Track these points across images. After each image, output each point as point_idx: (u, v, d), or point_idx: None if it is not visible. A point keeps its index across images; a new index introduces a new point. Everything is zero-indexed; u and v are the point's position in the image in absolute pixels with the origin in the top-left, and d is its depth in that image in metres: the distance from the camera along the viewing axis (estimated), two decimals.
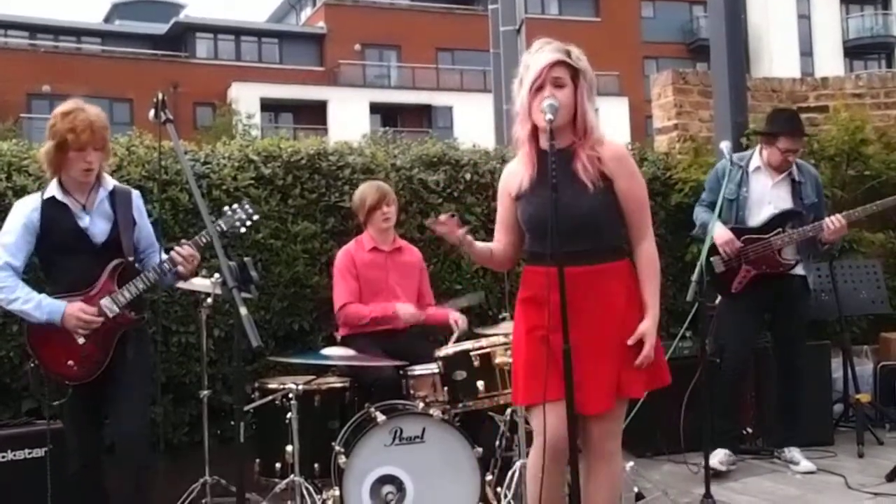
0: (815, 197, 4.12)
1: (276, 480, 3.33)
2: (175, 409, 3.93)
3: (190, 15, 30.33)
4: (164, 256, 2.94)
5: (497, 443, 3.47)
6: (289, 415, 3.23)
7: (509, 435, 3.45)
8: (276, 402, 3.33)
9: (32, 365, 2.86)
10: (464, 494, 3.16)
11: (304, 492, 3.21)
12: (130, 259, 2.91)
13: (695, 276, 3.49)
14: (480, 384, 3.27)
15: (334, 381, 3.55)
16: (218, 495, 3.52)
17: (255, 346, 2.31)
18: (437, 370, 3.38)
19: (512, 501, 3.19)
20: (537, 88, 2.40)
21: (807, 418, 4.19)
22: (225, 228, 3.01)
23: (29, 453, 3.13)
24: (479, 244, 2.62)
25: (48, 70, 23.48)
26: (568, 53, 2.43)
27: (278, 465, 3.34)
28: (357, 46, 28.44)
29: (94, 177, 2.89)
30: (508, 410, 3.38)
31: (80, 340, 2.81)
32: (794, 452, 4.09)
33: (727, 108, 4.95)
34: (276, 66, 28.35)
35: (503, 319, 3.62)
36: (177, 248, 2.88)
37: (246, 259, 2.59)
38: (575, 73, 2.42)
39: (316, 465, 3.35)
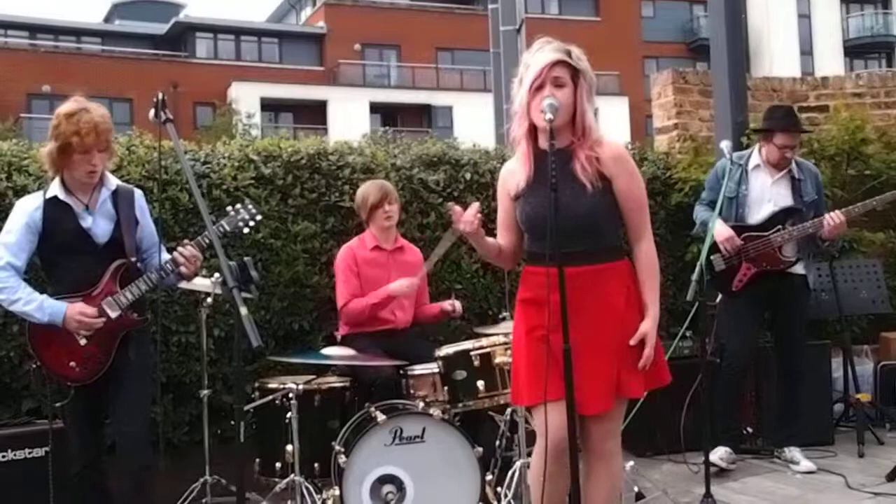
0: (815, 194, 4.11)
1: (277, 480, 3.33)
2: (175, 409, 3.94)
3: (190, 15, 30.33)
4: (167, 256, 2.93)
5: (497, 442, 3.47)
6: (289, 414, 3.23)
7: (509, 435, 3.45)
8: (277, 401, 3.33)
9: (34, 366, 2.85)
10: (464, 494, 3.16)
11: (305, 491, 3.22)
12: (133, 260, 2.89)
13: (695, 276, 3.49)
14: (480, 384, 3.27)
15: (334, 381, 3.55)
16: (218, 495, 3.52)
17: (256, 346, 2.31)
18: (437, 370, 3.39)
19: (512, 501, 3.20)
20: (537, 88, 2.39)
21: (807, 418, 4.18)
22: (228, 229, 3.00)
23: (29, 453, 3.12)
24: (489, 239, 2.60)
25: (48, 70, 23.47)
26: (568, 53, 2.42)
27: (278, 464, 3.34)
28: (357, 46, 28.44)
29: (98, 177, 2.87)
30: (508, 410, 3.38)
31: (82, 342, 2.80)
32: (794, 452, 4.09)
33: (727, 108, 4.95)
34: (276, 65, 28.35)
35: (503, 319, 3.62)
36: (179, 248, 2.87)
37: (246, 259, 2.59)
38: (575, 73, 2.42)
39: (316, 465, 3.35)
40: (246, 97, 24.41)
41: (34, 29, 27.51)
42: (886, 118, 5.72)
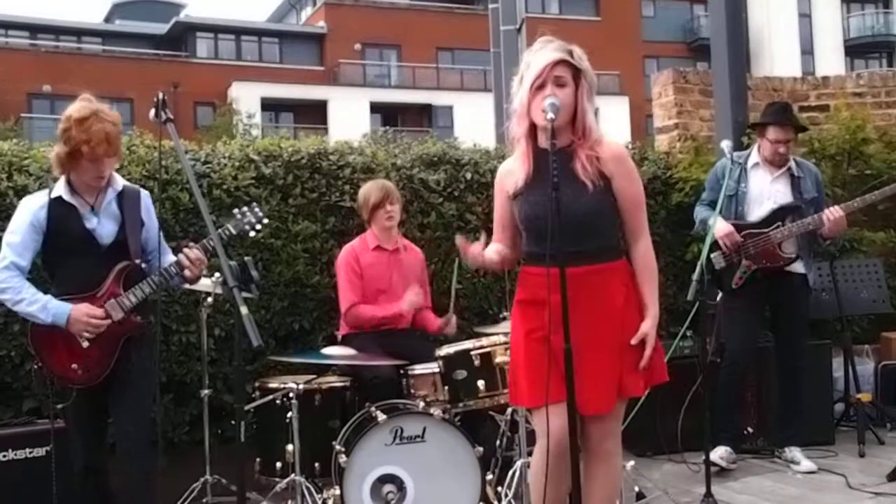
0: (815, 192, 4.10)
1: (277, 480, 3.33)
2: (176, 409, 3.94)
3: (190, 15, 30.34)
4: (171, 258, 2.92)
5: (498, 442, 3.47)
6: (289, 414, 3.23)
7: (510, 434, 3.45)
8: (277, 401, 3.33)
9: (36, 366, 2.83)
10: (464, 494, 3.16)
11: (305, 491, 3.22)
12: (137, 261, 2.86)
13: (695, 275, 3.48)
14: (481, 383, 3.27)
15: (335, 381, 3.55)
16: (218, 494, 3.53)
17: (256, 346, 2.31)
18: (437, 369, 3.39)
19: (513, 501, 3.20)
20: (538, 87, 2.39)
21: (808, 418, 4.18)
22: (234, 232, 2.98)
23: (30, 452, 3.12)
24: (491, 256, 2.58)
25: (49, 70, 23.48)
26: (570, 53, 2.42)
27: (279, 464, 3.34)
28: (357, 46, 28.44)
29: (105, 181, 2.85)
30: (509, 410, 3.38)
31: (85, 344, 2.77)
32: (794, 452, 4.08)
33: (728, 108, 4.95)
34: (277, 65, 28.35)
35: (503, 319, 3.61)
36: (185, 250, 2.84)
37: (246, 258, 2.58)
38: (576, 72, 2.42)
39: (316, 465, 3.35)
40: (246, 97, 24.41)
41: (35, 29, 27.52)
42: (887, 118, 5.72)
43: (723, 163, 4.16)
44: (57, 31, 27.91)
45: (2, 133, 16.04)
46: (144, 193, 2.99)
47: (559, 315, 2.27)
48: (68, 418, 2.92)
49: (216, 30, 28.66)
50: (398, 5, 29.84)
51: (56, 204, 2.81)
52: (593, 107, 2.47)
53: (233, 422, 3.07)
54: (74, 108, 2.76)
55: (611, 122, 23.06)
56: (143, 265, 2.90)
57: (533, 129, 2.46)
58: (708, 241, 3.79)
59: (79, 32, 28.44)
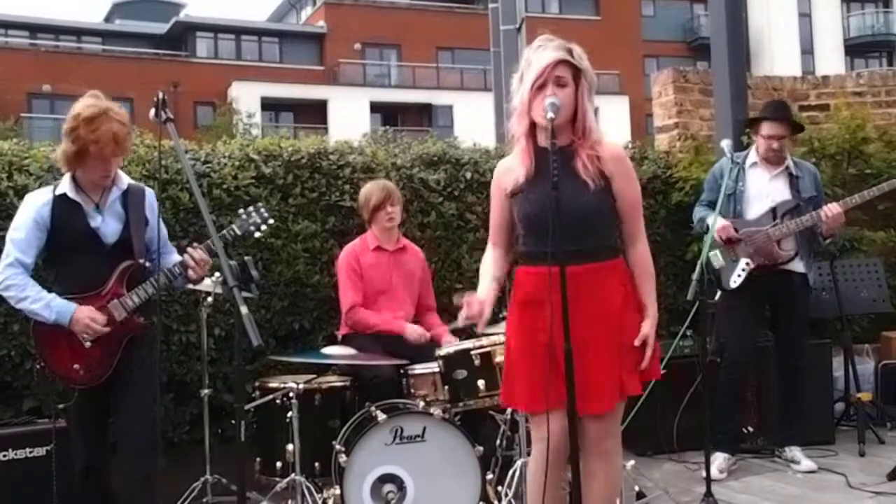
0: (813, 191, 4.10)
1: (277, 479, 3.34)
2: (176, 408, 3.94)
3: (190, 14, 30.33)
4: (176, 258, 2.90)
5: (498, 442, 3.47)
6: (289, 414, 3.23)
7: (510, 434, 3.45)
8: (277, 400, 3.34)
9: (38, 366, 2.82)
10: (464, 493, 3.16)
11: (305, 491, 3.22)
12: (140, 261, 2.84)
13: (695, 275, 3.48)
14: (481, 383, 3.27)
15: (335, 380, 3.55)
16: (219, 494, 3.53)
17: (256, 345, 2.30)
18: (437, 369, 3.38)
19: (513, 500, 3.20)
20: (539, 87, 2.39)
21: (808, 417, 4.18)
22: (239, 233, 2.97)
23: (30, 452, 3.12)
24: (488, 291, 2.53)
25: (49, 70, 23.49)
26: (570, 52, 2.42)
27: (279, 463, 3.34)
28: (357, 45, 28.43)
29: (111, 179, 2.84)
30: (509, 409, 3.37)
31: (87, 344, 2.75)
32: (795, 451, 4.09)
33: (728, 107, 4.95)
34: (277, 65, 28.34)
35: (503, 319, 3.61)
36: (189, 250, 2.83)
37: (246, 258, 2.58)
38: (576, 72, 2.42)
39: (316, 464, 3.35)
40: (246, 97, 24.40)
41: (35, 29, 27.52)
42: (887, 117, 5.71)
43: (721, 163, 4.17)
44: (57, 30, 27.91)
45: (2, 133, 16.04)
46: (149, 192, 2.96)
47: (560, 314, 2.27)
48: (70, 418, 2.91)
49: (216, 29, 28.65)
50: (398, 5, 29.84)
51: (60, 201, 2.79)
52: (593, 106, 2.47)
53: (233, 421, 3.06)
54: (83, 106, 2.73)
55: (611, 121, 23.06)
56: (147, 265, 2.87)
57: (533, 127, 2.46)
58: (708, 240, 3.80)
59: (79, 32, 28.43)
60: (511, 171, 2.51)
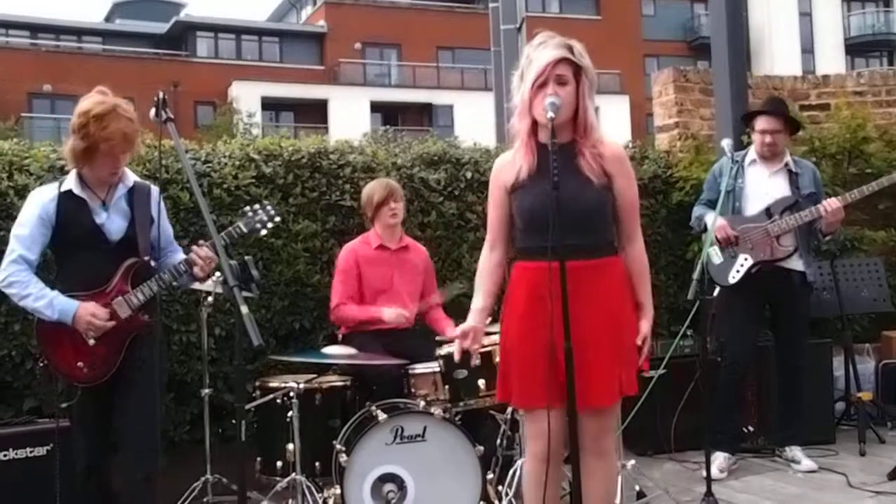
0: (813, 188, 4.09)
1: (278, 479, 3.34)
2: (176, 408, 3.94)
3: (190, 14, 30.34)
4: (181, 256, 2.89)
5: (498, 441, 3.47)
6: (290, 413, 3.23)
7: (510, 433, 3.45)
8: (278, 400, 3.34)
9: (41, 364, 2.80)
10: (465, 493, 3.16)
11: (306, 490, 3.22)
12: (146, 259, 2.82)
13: (696, 274, 3.48)
14: (481, 383, 3.27)
15: (335, 380, 3.55)
16: (219, 493, 3.53)
17: (256, 345, 2.30)
18: (438, 368, 3.38)
19: (513, 500, 3.20)
20: (540, 85, 2.39)
21: (808, 417, 4.18)
22: (245, 230, 2.95)
23: (31, 452, 3.12)
24: (483, 307, 2.58)
25: (49, 69, 23.49)
26: (571, 49, 2.42)
27: (279, 463, 3.34)
28: (357, 45, 28.43)
29: (119, 176, 2.83)
30: (509, 409, 3.37)
31: (91, 342, 2.73)
32: (795, 451, 4.08)
33: (728, 106, 4.94)
34: (277, 64, 28.34)
35: None
36: (194, 248, 2.81)
37: (247, 258, 2.58)
38: (577, 69, 2.42)
39: (317, 464, 3.35)
40: (247, 96, 24.41)
41: (35, 28, 27.52)
42: (888, 116, 5.71)
43: (721, 163, 4.16)
44: (57, 30, 27.91)
45: (2, 132, 16.03)
46: (155, 190, 2.94)
47: (560, 310, 2.27)
48: (72, 417, 2.88)
49: (216, 29, 28.66)
50: (398, 4, 29.83)
51: (66, 197, 2.77)
52: (594, 104, 2.47)
53: (233, 421, 3.06)
54: (92, 103, 2.70)
55: (611, 120, 23.05)
56: (153, 263, 2.85)
57: (535, 125, 2.46)
58: (708, 239, 3.79)
59: (79, 32, 28.44)
60: (511, 165, 2.51)
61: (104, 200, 2.81)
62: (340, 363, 3.55)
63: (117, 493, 2.87)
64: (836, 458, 4.16)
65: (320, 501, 3.25)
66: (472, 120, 21.51)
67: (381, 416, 3.17)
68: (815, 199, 4.04)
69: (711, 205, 4.05)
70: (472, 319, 2.55)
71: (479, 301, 2.58)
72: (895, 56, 31.53)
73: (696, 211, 4.25)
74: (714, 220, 3.88)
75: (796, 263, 4.05)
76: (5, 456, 3.09)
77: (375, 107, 26.99)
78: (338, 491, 3.10)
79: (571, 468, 2.34)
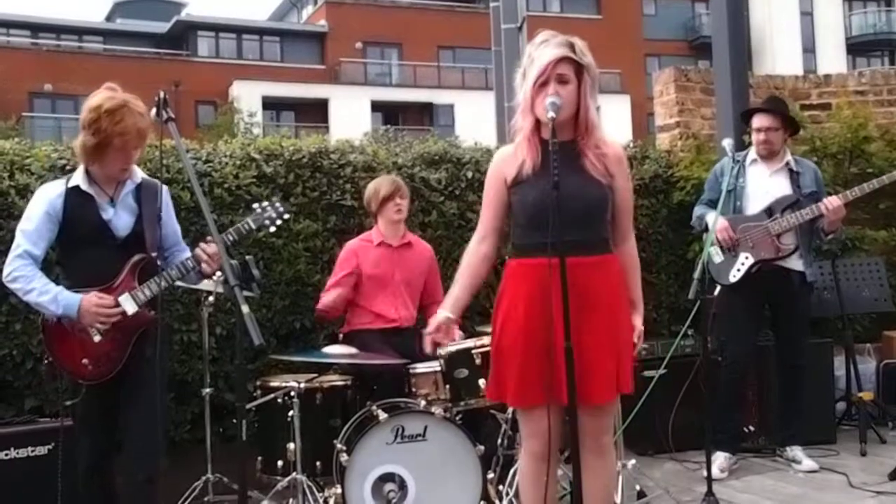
0: (814, 187, 4.09)
1: (278, 478, 3.34)
2: (177, 407, 3.94)
3: (191, 13, 30.35)
4: (188, 254, 2.87)
5: (499, 441, 3.47)
6: (291, 413, 3.23)
7: (511, 433, 3.45)
8: (278, 400, 3.34)
9: (46, 361, 2.78)
10: (466, 492, 3.16)
11: (306, 489, 3.22)
12: (153, 255, 2.80)
13: (697, 274, 3.48)
14: (482, 382, 3.26)
15: (336, 379, 3.55)
16: (220, 493, 3.53)
17: (257, 345, 2.30)
18: (438, 368, 3.38)
19: (514, 500, 3.20)
20: (541, 84, 2.39)
21: (809, 417, 4.18)
22: (254, 227, 2.94)
23: (32, 451, 3.12)
24: (459, 297, 2.59)
25: (50, 69, 23.49)
26: (572, 48, 2.42)
27: (280, 462, 3.34)
28: (358, 44, 28.43)
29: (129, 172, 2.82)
30: (510, 408, 3.37)
31: (96, 338, 2.71)
32: (796, 451, 4.08)
33: (729, 106, 4.94)
34: (278, 64, 28.35)
35: None
36: (202, 244, 2.80)
37: (248, 257, 2.57)
38: (579, 68, 2.42)
39: (318, 463, 3.35)
40: (247, 96, 24.41)
41: (36, 28, 27.54)
42: (889, 116, 5.71)
43: (722, 163, 4.17)
44: (58, 30, 27.92)
45: (3, 132, 16.06)
46: (164, 188, 2.92)
47: (559, 307, 2.28)
48: (76, 416, 2.86)
49: (217, 28, 28.66)
50: (399, 4, 29.83)
51: (73, 193, 2.76)
52: (595, 102, 2.48)
53: (234, 420, 3.07)
54: (103, 98, 2.68)
55: (612, 120, 23.07)
56: (160, 261, 2.83)
57: (538, 122, 2.47)
58: (709, 239, 3.79)
59: (80, 31, 28.45)
60: (513, 158, 2.49)
61: (112, 197, 2.79)
62: (341, 363, 3.55)
63: (119, 493, 2.86)
64: (836, 458, 4.16)
65: (321, 501, 3.25)
66: (473, 119, 21.53)
67: (382, 415, 3.17)
68: (817, 198, 4.04)
69: (712, 204, 4.05)
70: (445, 311, 2.55)
71: (457, 293, 2.58)
72: None
73: (697, 210, 4.25)
74: (715, 220, 3.88)
75: (796, 263, 4.04)
76: (6, 455, 3.09)
77: (376, 106, 26.99)
78: (338, 490, 3.11)
79: (573, 466, 2.34)
